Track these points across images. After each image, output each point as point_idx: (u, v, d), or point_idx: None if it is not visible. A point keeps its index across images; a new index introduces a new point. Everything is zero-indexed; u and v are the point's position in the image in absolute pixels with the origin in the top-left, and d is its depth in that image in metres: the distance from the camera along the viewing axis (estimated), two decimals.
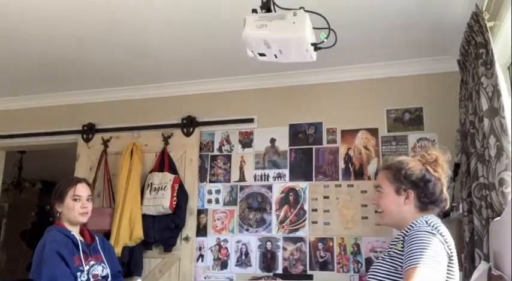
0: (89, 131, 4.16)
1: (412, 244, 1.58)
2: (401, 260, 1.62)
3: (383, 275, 1.66)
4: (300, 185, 3.62)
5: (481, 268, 2.03)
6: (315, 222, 3.53)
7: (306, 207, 3.56)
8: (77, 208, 2.42)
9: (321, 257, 3.45)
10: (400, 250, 1.65)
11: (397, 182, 1.78)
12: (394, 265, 1.64)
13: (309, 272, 3.43)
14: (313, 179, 3.60)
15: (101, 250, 2.47)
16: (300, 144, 3.70)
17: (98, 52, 3.41)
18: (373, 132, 3.56)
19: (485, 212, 2.18)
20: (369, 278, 1.72)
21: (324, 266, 3.42)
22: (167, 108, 4.03)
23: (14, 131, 4.37)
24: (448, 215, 3.03)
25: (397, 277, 1.62)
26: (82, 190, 2.46)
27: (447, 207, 1.82)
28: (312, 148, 3.67)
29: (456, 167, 3.05)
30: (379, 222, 1.84)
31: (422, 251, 1.54)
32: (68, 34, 3.13)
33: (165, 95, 4.05)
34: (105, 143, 4.05)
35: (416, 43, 3.23)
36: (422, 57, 3.45)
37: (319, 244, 3.47)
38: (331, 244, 3.45)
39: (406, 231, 1.67)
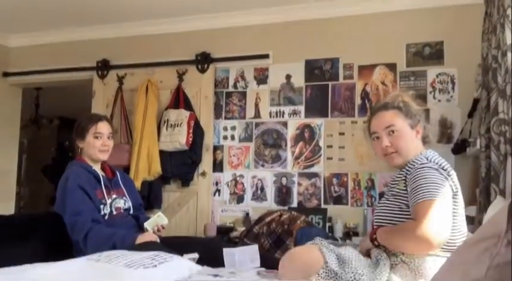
0: (103, 67, 4.14)
1: (417, 180, 1.58)
2: (405, 199, 1.63)
3: (389, 215, 1.67)
4: (316, 121, 3.62)
5: (497, 202, 2.05)
6: (330, 158, 3.56)
7: (321, 143, 3.58)
8: (97, 145, 2.45)
9: (335, 192, 3.52)
10: (402, 190, 1.65)
11: (409, 119, 1.76)
12: (398, 204, 1.66)
13: (323, 206, 3.52)
14: (329, 115, 3.59)
15: (122, 184, 2.54)
16: (315, 80, 3.65)
17: None
18: (391, 67, 3.48)
19: (503, 147, 2.17)
20: (375, 219, 1.75)
21: (338, 200, 3.50)
22: (181, 44, 3.97)
23: (29, 68, 4.37)
24: (464, 151, 3.03)
25: (402, 215, 1.63)
26: (103, 127, 2.49)
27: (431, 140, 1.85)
28: (328, 84, 3.62)
29: (475, 102, 3.01)
30: (391, 163, 1.76)
31: (429, 185, 1.55)
32: None
33: (179, 31, 3.97)
34: (120, 79, 4.05)
35: None
36: None
37: (334, 179, 3.53)
38: (345, 179, 3.50)
39: (408, 170, 1.66)
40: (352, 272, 1.49)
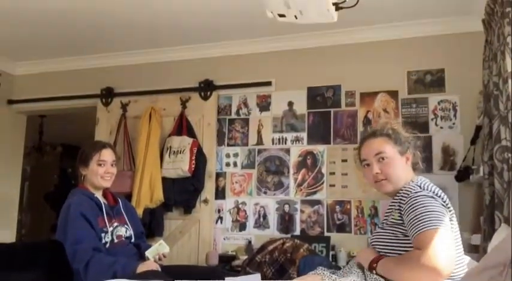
0: (107, 95, 4.18)
1: (414, 210, 1.55)
2: (401, 229, 1.60)
3: (385, 244, 1.64)
4: (318, 148, 3.62)
5: (502, 230, 2.03)
6: (333, 185, 3.54)
7: (323, 170, 3.57)
8: (101, 172, 2.45)
9: (339, 219, 3.49)
10: (397, 219, 1.62)
11: (399, 146, 1.75)
12: (394, 233, 1.62)
13: (326, 234, 3.48)
14: (331, 142, 3.60)
15: (123, 212, 2.53)
16: (318, 107, 3.67)
17: (118, 14, 3.39)
18: (393, 94, 3.50)
19: (506, 175, 2.16)
20: (372, 245, 1.72)
21: (342, 228, 3.46)
22: (184, 71, 4.02)
23: (33, 96, 4.42)
24: (468, 178, 3.01)
25: (399, 244, 1.60)
26: (107, 155, 2.49)
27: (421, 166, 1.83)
28: (330, 111, 3.64)
29: (477, 129, 3.01)
30: (381, 191, 1.76)
31: (429, 214, 1.52)
32: None
33: (182, 58, 4.03)
34: (124, 107, 4.09)
35: (438, 1, 3.13)
36: (445, 16, 3.34)
37: (337, 206, 3.50)
38: (348, 206, 3.48)
39: (401, 199, 1.63)
40: None
